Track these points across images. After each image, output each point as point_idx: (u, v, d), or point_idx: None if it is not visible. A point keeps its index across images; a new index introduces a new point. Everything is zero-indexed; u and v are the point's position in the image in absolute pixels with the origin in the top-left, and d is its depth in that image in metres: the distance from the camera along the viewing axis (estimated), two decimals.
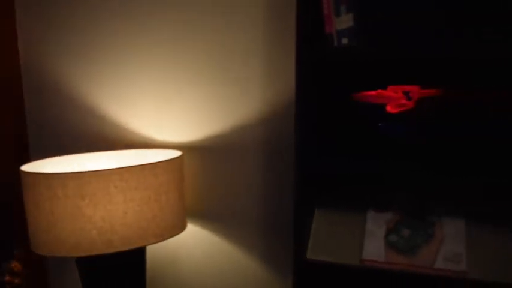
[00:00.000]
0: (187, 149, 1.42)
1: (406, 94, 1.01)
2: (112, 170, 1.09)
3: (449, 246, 1.04)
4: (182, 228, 1.27)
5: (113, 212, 1.10)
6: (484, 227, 1.06)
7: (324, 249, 1.11)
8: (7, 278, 1.47)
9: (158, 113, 1.43)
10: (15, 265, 1.50)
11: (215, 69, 1.36)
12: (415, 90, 1.01)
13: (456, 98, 1.10)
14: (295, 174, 1.03)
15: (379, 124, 1.05)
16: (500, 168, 0.97)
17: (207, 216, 1.43)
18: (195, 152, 1.41)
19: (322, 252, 1.10)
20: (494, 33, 0.96)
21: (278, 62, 1.30)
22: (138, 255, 1.25)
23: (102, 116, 1.49)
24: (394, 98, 1.00)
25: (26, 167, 1.19)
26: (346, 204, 1.16)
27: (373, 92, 1.03)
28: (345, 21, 1.00)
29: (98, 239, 1.09)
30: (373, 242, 1.08)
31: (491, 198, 1.10)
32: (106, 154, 1.38)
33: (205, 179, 1.42)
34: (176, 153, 1.30)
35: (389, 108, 0.99)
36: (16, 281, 1.48)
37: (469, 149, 1.10)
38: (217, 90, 1.36)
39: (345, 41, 1.01)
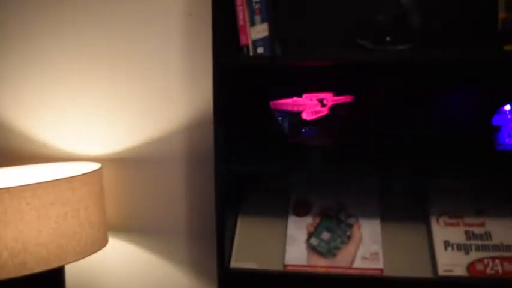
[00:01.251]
0: (107, 161, 1.37)
1: (321, 101, 1.05)
2: (24, 186, 1.03)
3: (366, 246, 1.09)
4: (103, 243, 1.22)
5: (26, 231, 1.04)
6: (398, 226, 1.13)
7: (247, 257, 1.11)
8: None
9: (75, 125, 1.38)
10: None
11: (134, 80, 1.33)
12: (328, 97, 1.05)
13: (366, 103, 1.16)
14: (216, 180, 1.04)
15: (302, 130, 1.08)
16: (412, 169, 1.03)
17: (131, 230, 1.39)
18: (115, 164, 1.37)
19: (246, 259, 1.11)
20: (394, 43, 1.02)
21: (198, 71, 1.30)
22: (56, 276, 1.18)
23: (17, 130, 1.41)
24: (309, 105, 1.03)
25: None
26: (268, 211, 1.18)
27: (289, 100, 1.06)
28: (260, 30, 1.03)
29: (9, 261, 1.02)
30: (295, 247, 1.10)
31: (404, 199, 1.18)
32: (20, 169, 1.30)
33: (127, 191, 1.38)
34: (95, 166, 1.26)
35: (304, 115, 1.02)
36: None
37: (381, 151, 1.16)
38: (137, 99, 1.34)
39: (260, 50, 1.03)
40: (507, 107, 1.05)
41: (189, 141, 1.33)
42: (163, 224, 1.37)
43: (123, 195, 1.38)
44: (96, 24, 1.33)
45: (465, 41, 1.16)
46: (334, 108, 1.04)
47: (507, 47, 0.99)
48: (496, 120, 1.06)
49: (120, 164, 1.37)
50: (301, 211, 1.15)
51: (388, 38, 1.04)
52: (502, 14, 1.02)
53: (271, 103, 1.07)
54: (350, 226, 1.12)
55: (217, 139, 1.03)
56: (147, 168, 1.36)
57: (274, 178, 1.23)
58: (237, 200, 1.19)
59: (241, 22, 1.03)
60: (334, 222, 1.13)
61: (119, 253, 1.40)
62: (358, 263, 1.07)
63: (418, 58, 0.94)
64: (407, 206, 1.15)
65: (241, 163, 1.04)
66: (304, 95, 1.09)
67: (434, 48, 1.15)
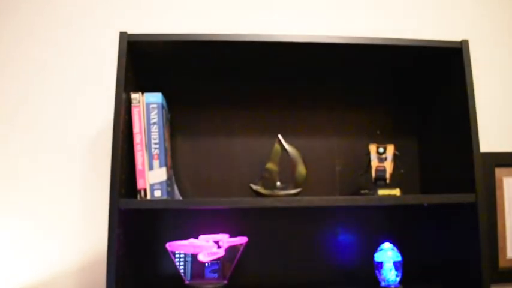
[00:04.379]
0: None
1: (217, 243, 1.08)
2: None
3: None
4: None
5: None
6: None
7: None
8: None
9: None
10: None
11: (23, 216, 1.27)
12: (224, 239, 1.08)
13: (261, 244, 1.20)
14: None
15: (199, 271, 1.08)
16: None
17: None
18: None
19: None
20: (284, 188, 1.12)
21: (95, 212, 1.29)
22: None
23: None
24: (206, 247, 1.05)
25: None
26: None
27: (185, 241, 1.07)
28: (158, 175, 1.07)
29: None
30: None
31: None
32: None
33: None
34: None
35: (200, 258, 1.03)
36: None
37: None
38: (30, 238, 1.27)
39: (157, 193, 1.06)
40: (386, 245, 1.15)
41: (81, 284, 1.26)
42: None
43: None
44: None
45: (347, 188, 1.31)
46: (230, 250, 1.07)
47: (381, 191, 1.12)
48: (377, 257, 1.15)
49: None
50: None
51: (278, 184, 1.13)
52: (374, 163, 1.17)
53: (167, 245, 1.08)
54: None
55: (109, 283, 0.99)
56: None
57: None
58: None
59: (139, 167, 1.06)
60: None
61: None
62: None
63: (304, 202, 1.03)
64: None
65: None
66: (201, 237, 1.12)
67: (319, 193, 1.27)
